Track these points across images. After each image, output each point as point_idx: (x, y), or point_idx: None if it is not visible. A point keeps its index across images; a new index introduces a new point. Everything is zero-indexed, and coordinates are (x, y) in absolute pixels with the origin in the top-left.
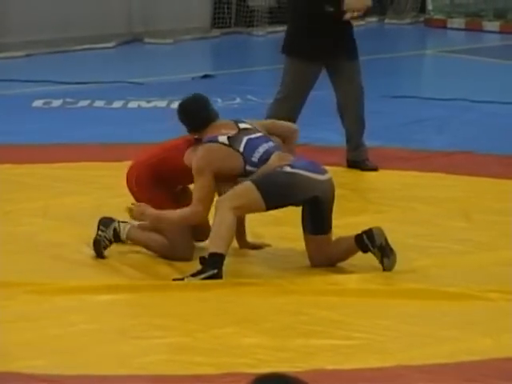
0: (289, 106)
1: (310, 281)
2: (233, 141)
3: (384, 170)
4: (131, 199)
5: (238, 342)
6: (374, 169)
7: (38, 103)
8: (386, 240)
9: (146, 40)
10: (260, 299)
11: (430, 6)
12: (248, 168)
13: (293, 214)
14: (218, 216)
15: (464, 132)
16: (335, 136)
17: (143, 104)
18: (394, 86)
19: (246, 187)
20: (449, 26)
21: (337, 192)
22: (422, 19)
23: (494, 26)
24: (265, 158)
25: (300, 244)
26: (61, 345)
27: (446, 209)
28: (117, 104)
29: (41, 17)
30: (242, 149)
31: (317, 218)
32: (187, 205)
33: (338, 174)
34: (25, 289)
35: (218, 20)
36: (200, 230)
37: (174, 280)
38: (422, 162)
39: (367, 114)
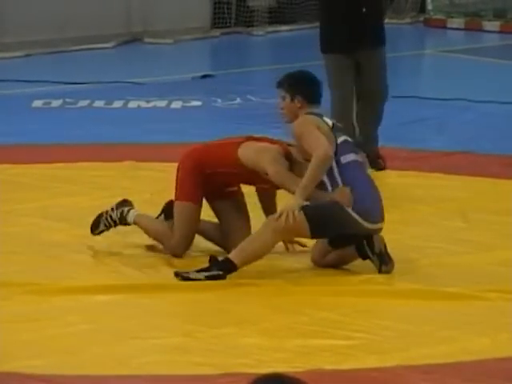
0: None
1: (309, 281)
2: (334, 130)
3: (383, 170)
4: (129, 199)
5: (237, 343)
6: (382, 168)
7: (37, 103)
8: (385, 247)
9: (146, 40)
10: (259, 299)
11: (429, 6)
12: (339, 159)
13: None
14: (260, 233)
15: (463, 132)
16: None
17: (143, 104)
18: (394, 85)
19: (297, 218)
20: (448, 25)
21: None
22: (421, 19)
23: (493, 25)
24: (352, 166)
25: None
26: (59, 345)
27: (445, 209)
28: (117, 104)
29: (40, 17)
30: (338, 142)
31: (348, 243)
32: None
33: None
34: (23, 289)
35: (218, 20)
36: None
37: (177, 274)
38: (421, 162)
39: None
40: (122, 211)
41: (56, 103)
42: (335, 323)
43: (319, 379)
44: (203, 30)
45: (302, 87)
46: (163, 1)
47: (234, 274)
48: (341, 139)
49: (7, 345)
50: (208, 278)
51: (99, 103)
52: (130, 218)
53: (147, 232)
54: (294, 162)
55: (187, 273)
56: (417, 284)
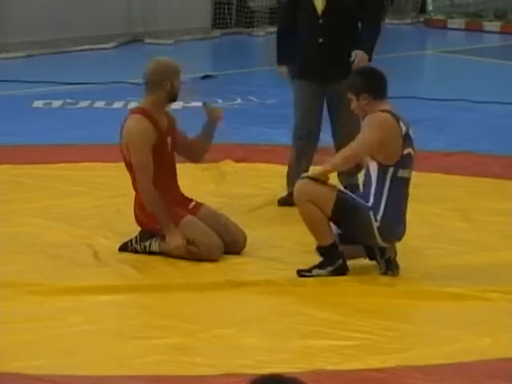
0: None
1: (310, 281)
2: (405, 138)
3: None
4: (130, 200)
5: (237, 343)
6: None
7: (38, 104)
8: (395, 254)
9: (147, 40)
10: (260, 300)
11: (430, 7)
12: (398, 171)
13: (292, 215)
14: (301, 210)
15: (464, 132)
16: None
17: None
18: (394, 86)
19: (329, 193)
20: (449, 26)
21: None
22: (422, 19)
23: (494, 26)
24: (402, 183)
25: (301, 244)
26: (60, 345)
27: (446, 209)
28: (117, 104)
29: (41, 17)
30: (404, 152)
31: (357, 243)
32: None
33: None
34: (25, 289)
35: (219, 20)
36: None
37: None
38: (422, 163)
39: None
40: (145, 246)
41: (57, 104)
42: (336, 324)
43: (320, 380)
44: (204, 30)
45: (363, 84)
46: (164, 1)
47: (234, 275)
48: (407, 151)
49: (9, 345)
50: (332, 272)
51: (100, 104)
52: (155, 248)
53: (178, 255)
54: None
55: (310, 271)
56: (418, 284)
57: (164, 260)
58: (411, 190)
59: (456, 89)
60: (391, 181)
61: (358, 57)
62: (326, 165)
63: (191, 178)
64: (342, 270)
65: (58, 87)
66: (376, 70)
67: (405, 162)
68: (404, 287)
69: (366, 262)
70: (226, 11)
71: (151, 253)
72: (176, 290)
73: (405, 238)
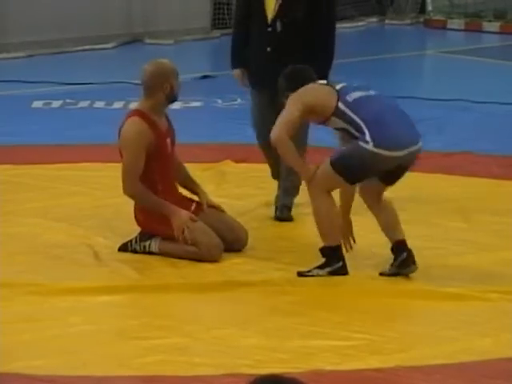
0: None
1: (310, 282)
2: (331, 83)
3: None
4: (130, 200)
5: (237, 343)
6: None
7: (37, 104)
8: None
9: (147, 41)
10: (259, 300)
11: (429, 7)
12: (340, 106)
13: (293, 214)
14: (314, 205)
15: (463, 132)
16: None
17: None
18: (394, 86)
19: (326, 171)
20: (448, 26)
21: (335, 193)
22: (421, 20)
23: (493, 26)
24: (363, 101)
25: (300, 244)
26: (60, 345)
27: (446, 209)
28: (117, 105)
29: (41, 17)
30: (338, 87)
31: (389, 176)
32: None
33: None
34: (24, 289)
35: (219, 21)
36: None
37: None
38: (422, 163)
39: None
40: (145, 246)
41: (56, 104)
42: (336, 324)
43: (320, 380)
44: (204, 30)
45: (283, 85)
46: (164, 2)
47: (233, 275)
48: (339, 86)
49: (9, 345)
50: (331, 273)
51: (100, 104)
52: (155, 248)
53: (178, 255)
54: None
55: (310, 271)
56: (417, 284)
57: (163, 260)
58: (411, 191)
59: (455, 89)
60: (351, 109)
61: None
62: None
63: None
64: (341, 272)
65: (58, 87)
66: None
67: (344, 90)
68: (404, 287)
69: (364, 263)
70: (226, 12)
71: (151, 253)
72: (175, 290)
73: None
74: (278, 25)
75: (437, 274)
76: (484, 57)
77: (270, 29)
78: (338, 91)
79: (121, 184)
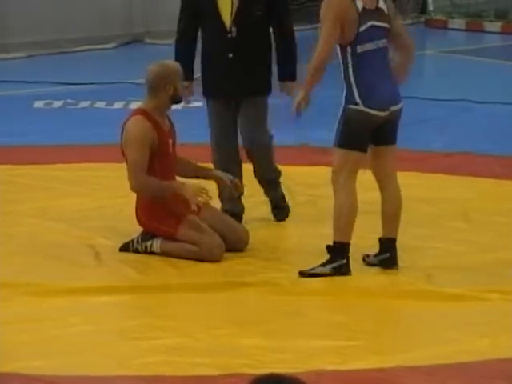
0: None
1: (310, 282)
2: (363, 14)
3: None
4: (130, 200)
5: (238, 343)
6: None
7: (38, 104)
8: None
9: (147, 41)
10: (260, 300)
11: (430, 7)
12: (349, 50)
13: (292, 215)
14: (335, 198)
15: (465, 133)
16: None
17: None
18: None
19: (338, 155)
20: (449, 26)
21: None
22: (422, 20)
23: (494, 26)
24: (366, 59)
25: (301, 245)
26: (60, 346)
27: (447, 209)
28: (118, 105)
29: (42, 18)
30: (361, 29)
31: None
32: None
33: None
34: (24, 290)
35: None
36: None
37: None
38: (423, 163)
39: None
40: (146, 246)
41: (57, 104)
42: (336, 324)
43: (320, 380)
44: None
45: None
46: (164, 2)
47: (233, 274)
48: (366, 26)
49: (8, 345)
50: (334, 269)
51: (100, 104)
52: (156, 248)
53: (180, 255)
54: None
55: (313, 269)
56: (418, 285)
57: (164, 261)
58: (413, 191)
59: (457, 89)
60: (352, 60)
61: (288, 89)
62: (303, 84)
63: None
64: (343, 270)
65: (59, 87)
66: None
67: (364, 36)
68: (404, 287)
69: (364, 263)
70: None
71: (152, 253)
72: (176, 290)
73: (406, 238)
74: (237, 29)
75: (437, 274)
76: (485, 57)
77: (229, 35)
78: (357, 34)
79: (121, 183)
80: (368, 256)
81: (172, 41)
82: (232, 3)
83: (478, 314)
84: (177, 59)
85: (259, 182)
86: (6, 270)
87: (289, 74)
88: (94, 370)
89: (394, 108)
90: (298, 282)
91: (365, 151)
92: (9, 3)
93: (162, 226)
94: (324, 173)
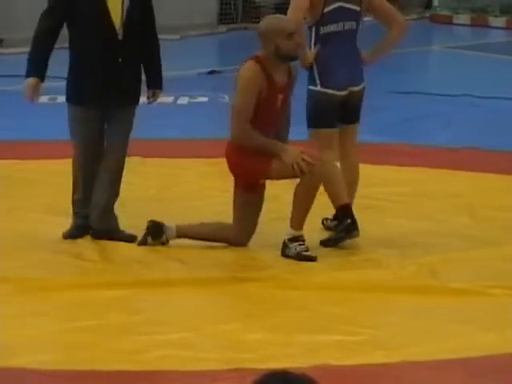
0: None
1: (315, 276)
2: None
3: (389, 165)
4: (134, 195)
5: (242, 338)
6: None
7: (43, 99)
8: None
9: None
10: (264, 295)
11: (435, 2)
12: (319, 28)
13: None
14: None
15: (469, 128)
16: None
17: None
18: (400, 81)
19: (312, 136)
20: (455, 21)
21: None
22: (427, 15)
23: (499, 21)
24: (327, 40)
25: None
26: (65, 340)
27: (451, 204)
28: None
29: None
30: (326, 10)
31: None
32: None
33: None
34: (29, 284)
35: (225, 16)
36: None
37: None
38: (427, 158)
39: (372, 110)
40: (163, 243)
41: (62, 99)
42: (341, 319)
43: (325, 375)
44: (210, 25)
45: None
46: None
47: (237, 269)
48: (332, 7)
49: (13, 340)
50: (344, 229)
51: None
52: (172, 236)
53: (202, 238)
54: None
55: (329, 240)
56: (422, 279)
57: (168, 255)
58: (417, 186)
59: (462, 84)
60: (315, 40)
61: (157, 97)
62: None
63: (197, 173)
64: (351, 228)
65: (63, 82)
66: None
67: (328, 18)
68: (408, 282)
69: (369, 258)
70: (232, 7)
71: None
72: (180, 285)
73: (409, 233)
74: (127, 32)
75: (441, 269)
76: (490, 52)
77: (120, 37)
78: (322, 14)
79: (125, 179)
80: (327, 220)
81: (177, 36)
82: (122, 3)
83: (482, 309)
84: (35, 54)
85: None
86: (11, 264)
87: (160, 84)
88: (99, 364)
89: (353, 89)
90: (303, 277)
91: (333, 127)
92: None
93: (254, 163)
94: None
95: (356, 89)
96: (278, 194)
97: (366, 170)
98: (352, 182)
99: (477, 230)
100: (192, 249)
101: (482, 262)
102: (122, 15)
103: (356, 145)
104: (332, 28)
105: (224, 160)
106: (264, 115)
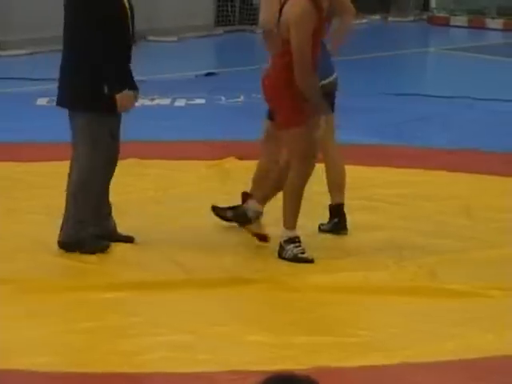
0: None
1: (313, 278)
2: None
3: (387, 167)
4: (132, 197)
5: (241, 340)
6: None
7: (41, 101)
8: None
9: (150, 37)
10: (264, 297)
11: (433, 4)
12: None
13: None
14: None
15: (467, 129)
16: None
17: (146, 102)
18: (398, 83)
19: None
20: (452, 23)
21: None
22: (425, 17)
23: (497, 23)
24: None
25: (303, 242)
26: (63, 342)
27: (449, 206)
28: None
29: (44, 15)
30: None
31: None
32: None
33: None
34: (28, 286)
35: (222, 18)
36: None
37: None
38: (425, 160)
39: (369, 112)
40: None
41: None
42: (340, 320)
43: (325, 376)
44: (207, 27)
45: None
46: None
47: (237, 271)
48: None
49: (12, 342)
50: (335, 224)
51: None
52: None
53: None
54: None
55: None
56: (421, 281)
57: (167, 257)
58: (415, 187)
59: (459, 86)
60: None
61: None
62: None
63: (195, 175)
64: (340, 226)
65: None
66: None
67: None
68: (407, 284)
69: (369, 259)
70: (230, 8)
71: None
72: (179, 287)
73: (408, 234)
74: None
75: (440, 270)
76: (487, 54)
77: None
78: None
79: (124, 181)
80: (322, 225)
81: (174, 38)
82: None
83: (481, 311)
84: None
85: None
86: (10, 266)
87: None
88: (97, 366)
89: (323, 82)
90: (301, 278)
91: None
92: (12, 1)
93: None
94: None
95: (326, 81)
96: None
97: (364, 172)
98: (339, 183)
99: (475, 232)
100: (190, 250)
101: (481, 264)
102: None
103: (335, 138)
104: None
105: (222, 161)
106: (313, 46)
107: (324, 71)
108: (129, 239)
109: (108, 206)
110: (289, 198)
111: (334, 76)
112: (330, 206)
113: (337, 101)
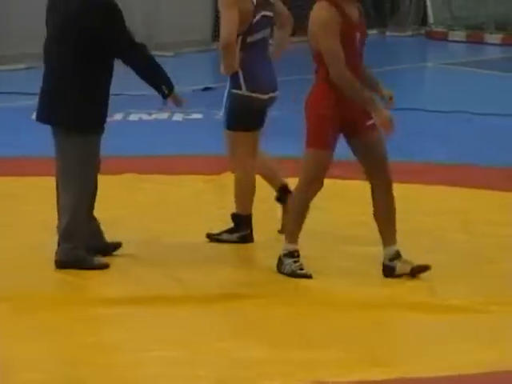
0: None
1: (311, 293)
2: (256, 5)
3: None
4: (130, 211)
5: (239, 355)
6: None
7: None
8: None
9: None
10: (260, 312)
11: (431, 19)
12: (246, 37)
13: None
14: (235, 176)
15: (465, 144)
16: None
17: (144, 116)
18: (396, 98)
19: (231, 137)
20: (450, 38)
21: (337, 204)
22: (423, 32)
23: (495, 38)
24: (254, 46)
25: (301, 257)
26: (61, 358)
27: (448, 221)
28: (117, 116)
29: (41, 29)
30: (254, 21)
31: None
32: None
33: (337, 186)
34: (25, 303)
35: (219, 33)
36: None
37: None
38: (423, 175)
39: None
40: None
41: None
42: (338, 335)
43: None
44: (204, 42)
45: None
46: (164, 13)
47: (233, 286)
48: (258, 16)
49: (10, 358)
50: (241, 237)
51: None
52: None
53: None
54: None
55: (219, 235)
56: (420, 296)
57: (164, 272)
58: (414, 202)
59: (457, 101)
60: (241, 48)
61: None
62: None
63: (193, 190)
64: (248, 239)
65: None
66: None
67: (254, 27)
68: (406, 300)
69: (367, 275)
70: None
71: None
72: (176, 302)
73: (407, 249)
74: None
75: (438, 286)
76: (485, 68)
77: None
78: (250, 24)
79: (120, 195)
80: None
81: (172, 53)
82: None
83: (480, 326)
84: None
85: None
86: (7, 282)
87: None
88: (95, 381)
89: (272, 94)
90: (298, 293)
91: (252, 130)
92: (8, 15)
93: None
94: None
95: (274, 94)
96: (276, 207)
97: (362, 188)
98: (249, 191)
99: (473, 247)
100: (187, 265)
101: (480, 279)
102: None
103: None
104: (257, 36)
105: (219, 176)
106: (346, 56)
107: (273, 84)
108: (116, 245)
109: (94, 219)
110: (291, 212)
111: (277, 92)
112: (232, 214)
113: None
